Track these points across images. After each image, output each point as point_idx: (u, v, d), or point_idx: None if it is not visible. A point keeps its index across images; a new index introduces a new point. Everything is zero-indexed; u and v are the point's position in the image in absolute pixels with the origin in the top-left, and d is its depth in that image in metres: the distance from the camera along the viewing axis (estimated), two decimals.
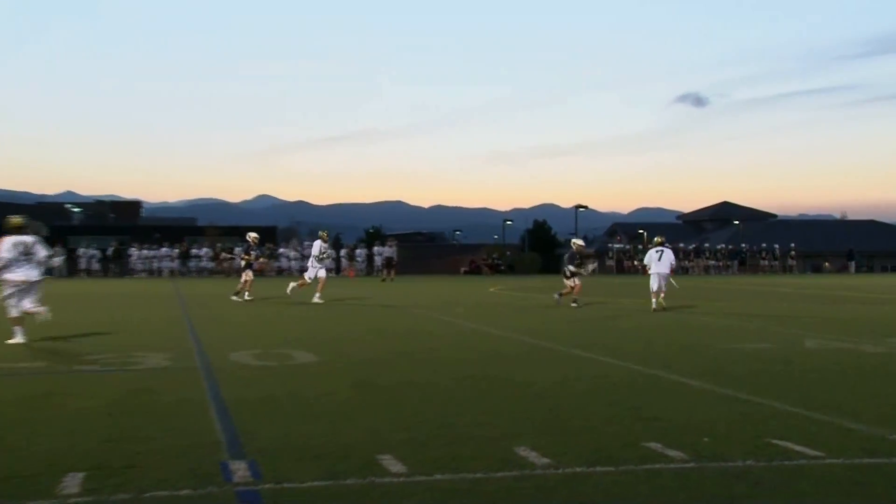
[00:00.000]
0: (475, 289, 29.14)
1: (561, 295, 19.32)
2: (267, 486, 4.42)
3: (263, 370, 8.60)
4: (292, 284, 21.04)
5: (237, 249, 46.70)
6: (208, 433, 5.60)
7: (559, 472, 4.70)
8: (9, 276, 11.04)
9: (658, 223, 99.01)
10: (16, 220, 11.35)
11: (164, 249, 45.67)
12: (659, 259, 18.18)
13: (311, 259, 20.56)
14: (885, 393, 7.26)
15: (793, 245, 56.21)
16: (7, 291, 11.11)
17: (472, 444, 5.30)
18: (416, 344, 11.29)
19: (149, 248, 45.60)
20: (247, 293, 20.84)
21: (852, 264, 54.47)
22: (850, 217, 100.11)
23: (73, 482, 4.46)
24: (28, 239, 11.21)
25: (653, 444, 5.24)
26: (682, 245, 52.47)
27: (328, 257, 20.16)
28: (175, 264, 45.03)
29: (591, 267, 21.49)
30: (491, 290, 27.91)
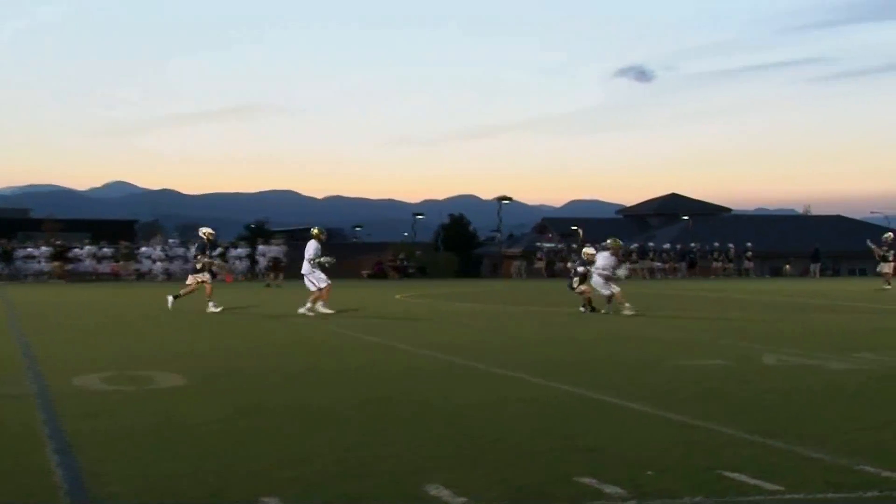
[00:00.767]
0: (380, 296, 29.09)
1: (588, 304, 20.01)
2: None
3: (117, 397, 8.40)
4: (311, 308, 19.71)
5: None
6: (43, 476, 5.42)
7: None
8: None
9: (595, 218, 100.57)
10: None
11: None
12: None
13: (306, 264, 19.61)
14: (853, 416, 7.49)
15: (749, 244, 57.72)
16: None
17: (373, 481, 5.27)
18: (308, 361, 11.21)
19: None
20: (211, 303, 20.23)
21: (816, 266, 56.24)
22: (815, 212, 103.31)
23: None
24: None
25: (587, 479, 5.31)
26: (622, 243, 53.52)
27: (327, 262, 19.71)
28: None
29: (622, 271, 21.41)
30: (399, 297, 27.92)
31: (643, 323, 17.53)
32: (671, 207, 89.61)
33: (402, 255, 56.48)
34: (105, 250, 45.67)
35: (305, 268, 19.58)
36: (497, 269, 71.05)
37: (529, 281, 50.12)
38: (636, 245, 55.29)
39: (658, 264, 53.87)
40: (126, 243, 46.94)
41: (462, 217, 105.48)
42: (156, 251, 45.68)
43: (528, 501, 4.90)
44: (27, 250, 44.62)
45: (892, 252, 33.20)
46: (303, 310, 19.01)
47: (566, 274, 47.54)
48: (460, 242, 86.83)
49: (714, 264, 55.29)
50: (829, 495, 5.08)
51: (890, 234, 34.30)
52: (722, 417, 7.26)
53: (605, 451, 6.09)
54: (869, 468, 5.59)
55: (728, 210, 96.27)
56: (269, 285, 37.19)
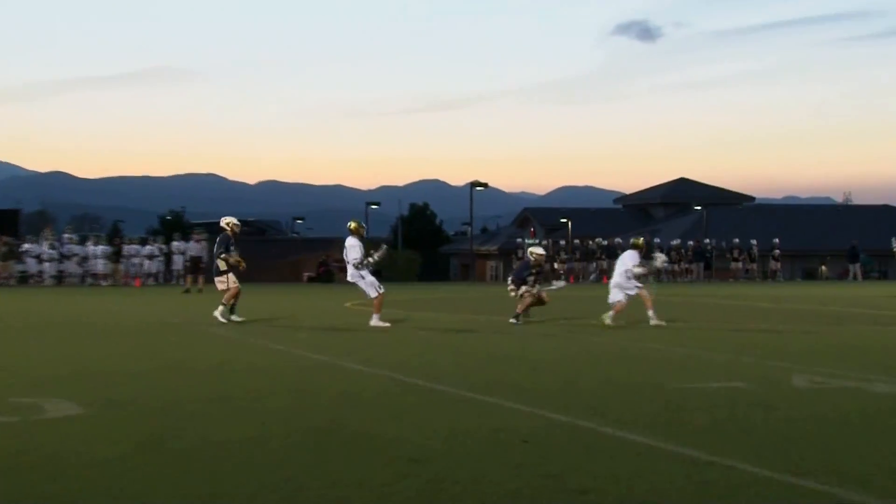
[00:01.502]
0: (325, 303, 28.97)
1: (520, 314, 20.44)
2: None
3: None
4: (376, 322, 19.65)
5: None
6: None
7: None
8: None
9: (588, 208, 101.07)
10: None
11: None
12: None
13: (351, 269, 19.41)
14: None
15: (776, 241, 57.92)
16: None
17: None
18: (233, 385, 11.13)
19: None
20: (232, 313, 20.11)
21: (857, 267, 56.52)
22: (856, 202, 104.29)
23: None
24: None
25: None
26: (619, 240, 53.60)
27: (381, 257, 19.60)
28: None
29: (556, 285, 23.69)
30: (347, 305, 27.81)
31: (645, 337, 17.56)
32: (681, 195, 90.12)
33: None
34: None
35: (352, 273, 19.69)
36: (469, 270, 71.13)
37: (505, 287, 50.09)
38: None
39: (665, 265, 53.93)
40: (7, 239, 46.35)
41: (426, 207, 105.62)
42: (45, 249, 45.17)
43: None
44: None
45: None
46: (373, 322, 19.30)
47: (552, 276, 47.57)
48: (423, 238, 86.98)
49: (733, 265, 55.53)
50: None
51: None
52: (742, 452, 7.27)
53: (600, 492, 6.09)
54: None
55: (750, 199, 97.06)
56: (187, 291, 36.96)
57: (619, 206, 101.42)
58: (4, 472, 6.65)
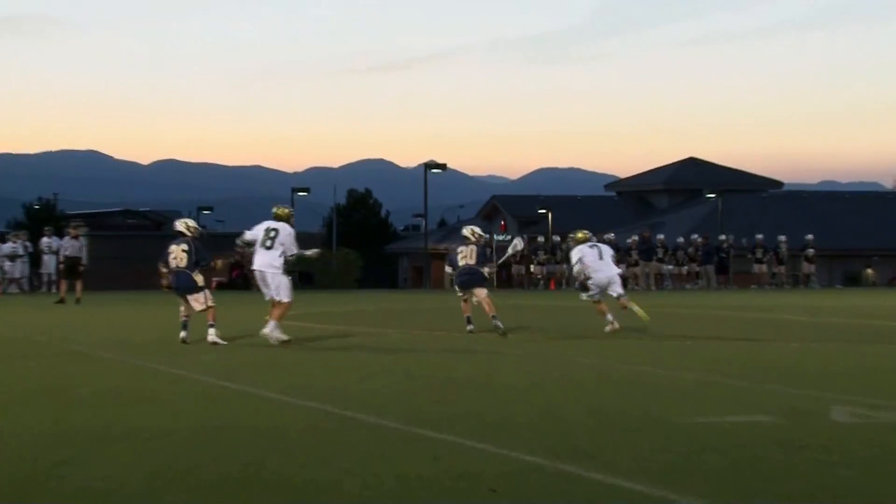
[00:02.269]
0: (238, 316, 28.90)
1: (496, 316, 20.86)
2: None
3: None
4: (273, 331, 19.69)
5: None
6: None
7: None
8: None
9: (573, 196, 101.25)
10: None
11: None
12: (600, 257, 20.85)
13: (269, 256, 19.57)
14: None
15: (810, 237, 57.79)
16: None
17: None
18: (118, 417, 11.11)
19: None
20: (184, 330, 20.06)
21: None
22: None
23: None
24: None
25: None
26: (612, 236, 53.29)
27: (315, 255, 19.67)
28: None
29: (514, 246, 23.90)
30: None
31: (644, 359, 17.62)
32: (689, 180, 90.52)
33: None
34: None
35: (267, 264, 19.96)
36: (422, 274, 71.08)
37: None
38: (635, 237, 54.98)
39: (669, 267, 53.36)
40: None
41: (368, 194, 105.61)
42: None
43: None
44: None
45: None
46: (267, 332, 19.73)
47: (527, 282, 47.82)
48: (365, 234, 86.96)
49: (756, 267, 55.41)
50: None
51: None
52: (768, 502, 7.30)
53: None
54: None
55: (778, 184, 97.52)
56: (61, 300, 36.72)
57: (612, 193, 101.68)
58: None
